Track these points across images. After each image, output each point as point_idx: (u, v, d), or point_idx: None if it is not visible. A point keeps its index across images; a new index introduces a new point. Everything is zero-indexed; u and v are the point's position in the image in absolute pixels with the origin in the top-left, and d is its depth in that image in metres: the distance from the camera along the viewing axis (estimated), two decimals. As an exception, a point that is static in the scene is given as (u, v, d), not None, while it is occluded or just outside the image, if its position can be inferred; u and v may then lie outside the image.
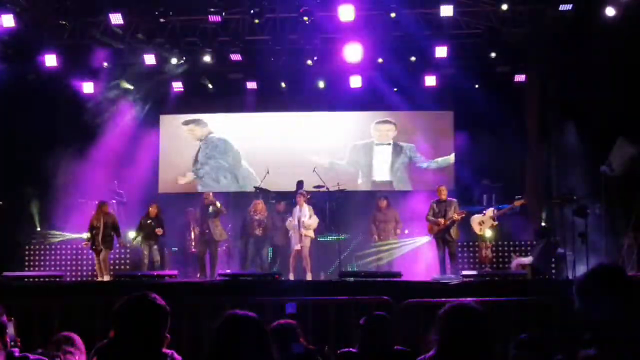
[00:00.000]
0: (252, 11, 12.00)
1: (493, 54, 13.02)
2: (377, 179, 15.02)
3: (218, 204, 11.90)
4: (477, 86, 13.77)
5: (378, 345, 4.40)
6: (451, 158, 14.72)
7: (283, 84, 14.23)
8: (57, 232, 13.28)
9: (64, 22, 12.52)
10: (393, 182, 14.99)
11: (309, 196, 12.24)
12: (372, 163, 15.06)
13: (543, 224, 12.82)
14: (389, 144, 15.05)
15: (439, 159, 14.83)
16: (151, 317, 2.84)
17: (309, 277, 11.52)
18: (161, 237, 12.02)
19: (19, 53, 12.52)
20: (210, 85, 14.32)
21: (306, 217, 11.75)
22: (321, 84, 14.21)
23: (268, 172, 13.47)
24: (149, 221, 11.90)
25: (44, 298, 8.11)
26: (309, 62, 13.32)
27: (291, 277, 11.48)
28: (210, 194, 12.30)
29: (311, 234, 11.81)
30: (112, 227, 11.46)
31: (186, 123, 15.18)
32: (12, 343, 3.47)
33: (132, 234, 12.33)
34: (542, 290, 8.38)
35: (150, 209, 12.01)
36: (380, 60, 13.31)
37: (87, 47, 12.85)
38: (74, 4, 12.31)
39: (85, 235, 11.81)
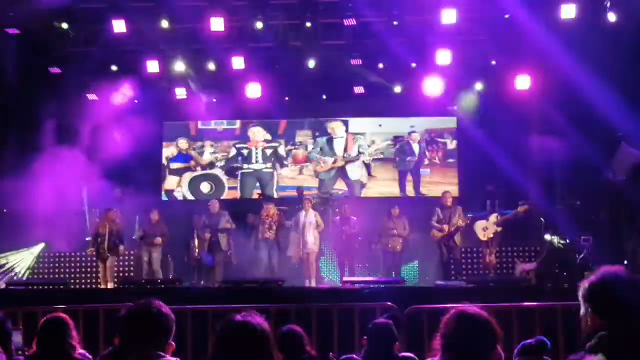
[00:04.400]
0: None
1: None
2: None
3: (229, 225, 11.97)
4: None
5: (383, 351, 4.40)
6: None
7: (286, 98, 14.22)
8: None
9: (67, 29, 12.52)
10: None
11: (313, 202, 12.24)
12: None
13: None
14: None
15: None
16: (156, 325, 2.84)
17: (312, 283, 11.48)
18: (162, 244, 11.99)
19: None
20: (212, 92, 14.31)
21: (313, 222, 11.72)
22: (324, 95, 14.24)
23: (271, 177, 13.49)
24: (150, 228, 11.89)
25: (48, 306, 8.10)
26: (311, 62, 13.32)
27: (313, 283, 11.43)
28: (217, 204, 12.22)
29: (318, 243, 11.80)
30: (117, 235, 11.44)
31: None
32: (19, 352, 3.47)
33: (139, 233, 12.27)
34: (546, 295, 8.35)
35: (152, 215, 12.00)
36: (380, 65, 13.34)
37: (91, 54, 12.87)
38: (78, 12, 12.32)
39: (89, 239, 11.82)
